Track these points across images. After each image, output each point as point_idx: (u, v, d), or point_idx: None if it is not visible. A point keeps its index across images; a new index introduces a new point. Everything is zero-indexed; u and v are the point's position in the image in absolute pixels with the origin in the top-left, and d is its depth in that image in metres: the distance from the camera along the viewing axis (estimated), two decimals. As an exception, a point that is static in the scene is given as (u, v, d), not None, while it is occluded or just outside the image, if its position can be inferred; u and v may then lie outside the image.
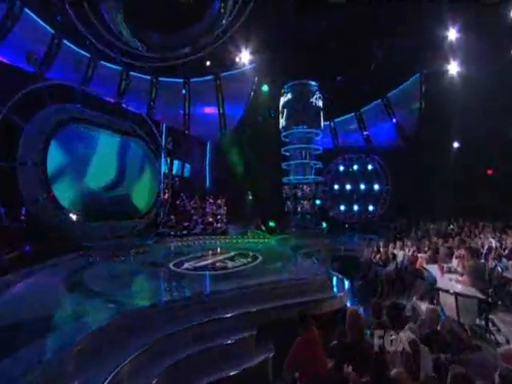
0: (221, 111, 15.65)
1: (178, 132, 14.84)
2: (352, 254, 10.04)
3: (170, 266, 7.11)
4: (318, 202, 15.21)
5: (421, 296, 5.35)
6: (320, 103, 14.81)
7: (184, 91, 14.83)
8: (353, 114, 16.49)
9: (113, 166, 11.01)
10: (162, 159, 13.15)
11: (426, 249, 7.26)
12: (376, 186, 15.84)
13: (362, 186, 16.13)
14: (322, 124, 14.92)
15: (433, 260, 6.37)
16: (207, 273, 6.55)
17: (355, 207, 16.23)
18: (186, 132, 15.44)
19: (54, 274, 6.10)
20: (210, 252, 8.80)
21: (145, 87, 14.00)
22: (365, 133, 16.45)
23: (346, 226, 15.70)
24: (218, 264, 7.25)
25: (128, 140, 11.54)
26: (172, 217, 13.10)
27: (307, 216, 14.69)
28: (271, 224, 14.43)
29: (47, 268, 6.62)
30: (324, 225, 15.07)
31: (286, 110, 14.79)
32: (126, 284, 5.62)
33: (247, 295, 5.15)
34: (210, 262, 7.53)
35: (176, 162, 14.70)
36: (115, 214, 10.52)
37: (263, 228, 13.71)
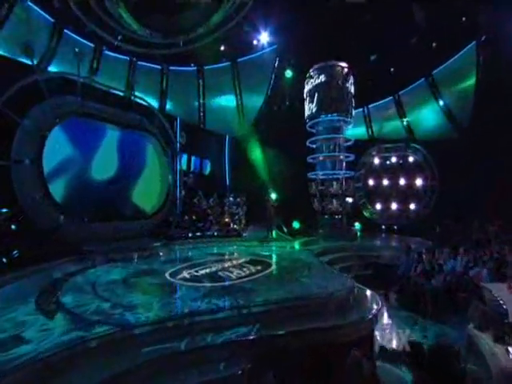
0: (239, 102, 15.27)
1: (193, 126, 14.65)
2: (388, 261, 9.34)
3: (166, 274, 6.64)
4: (349, 200, 14.42)
5: (480, 325, 4.30)
6: (351, 87, 13.63)
7: (198, 80, 14.63)
8: (390, 97, 15.36)
9: (117, 162, 10.74)
10: (177, 155, 12.96)
11: (486, 258, 6.11)
12: (419, 182, 14.94)
13: (402, 182, 15.08)
14: (354, 111, 13.83)
15: (496, 275, 5.18)
16: (204, 285, 5.89)
17: (394, 206, 15.31)
18: (202, 126, 15.27)
19: (31, 281, 5.88)
20: (219, 258, 8.43)
21: (155, 78, 13.86)
22: (405, 119, 15.35)
23: (383, 227, 14.94)
24: (221, 273, 6.72)
25: (135, 134, 11.24)
26: (186, 217, 12.98)
27: (337, 216, 13.64)
28: (295, 225, 13.99)
29: (30, 274, 6.42)
30: (357, 226, 14.44)
31: (311, 97, 13.71)
32: (95, 298, 5.05)
33: (242, 317, 4.50)
34: (213, 269, 7.01)
35: (193, 159, 14.77)
36: (119, 214, 10.30)
37: (284, 230, 13.18)
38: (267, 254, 8.85)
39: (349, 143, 13.90)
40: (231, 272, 6.72)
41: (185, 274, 6.65)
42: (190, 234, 11.78)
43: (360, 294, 5.66)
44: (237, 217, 13.38)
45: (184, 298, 5.19)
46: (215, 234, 12.26)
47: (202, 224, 12.76)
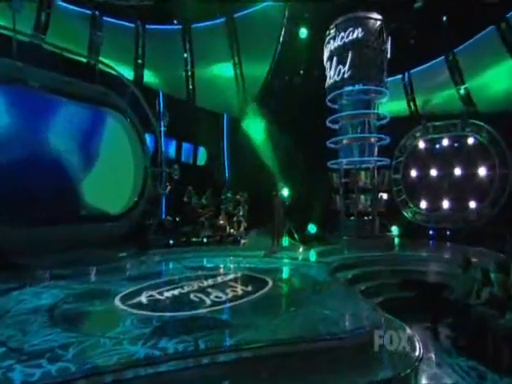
0: (238, 71, 15.17)
1: (181, 103, 14.69)
2: (436, 279, 8.78)
3: (117, 298, 6.03)
4: (383, 196, 14.26)
5: None
6: (387, 47, 13.34)
7: (184, 43, 14.37)
8: (441, 57, 14.50)
9: (68, 146, 10.21)
10: (160, 140, 12.78)
11: None
12: (482, 171, 13.79)
13: (458, 172, 14.31)
14: (389, 79, 13.79)
15: None
16: (161, 314, 5.23)
17: (445, 204, 14.49)
18: (192, 103, 15.26)
19: None
20: (200, 273, 8.02)
21: (128, 40, 13.46)
22: (462, 86, 14.46)
23: (431, 232, 14.26)
24: (194, 296, 6.15)
25: (96, 112, 10.90)
26: (169, 218, 12.98)
27: (366, 218, 13.55)
28: (311, 230, 13.81)
29: None
30: (393, 231, 14.19)
31: (333, 62, 13.53)
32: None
33: (200, 371, 3.70)
34: (185, 291, 6.48)
35: (185, 146, 15.08)
36: (72, 215, 9.98)
37: (295, 236, 13.05)
38: (268, 268, 8.57)
39: (383, 121, 13.72)
40: (208, 294, 6.14)
41: (143, 297, 6.07)
42: (171, 241, 11.58)
43: (391, 334, 4.53)
44: (235, 218, 13.17)
45: (121, 337, 4.36)
46: (205, 240, 12.08)
47: (191, 228, 12.63)
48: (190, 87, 14.97)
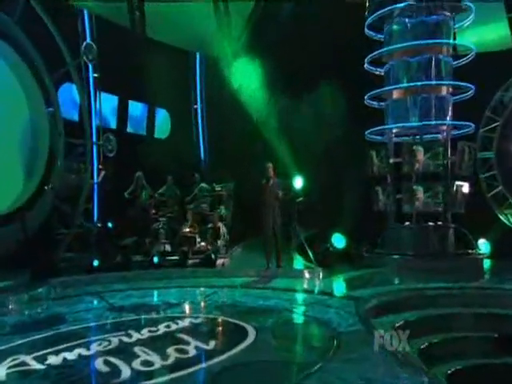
0: None
1: (122, 30, 15.28)
2: None
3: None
4: (463, 187, 13.91)
5: None
6: None
7: None
8: None
9: None
10: (85, 93, 13.27)
11: None
12: None
13: None
14: None
15: None
16: None
17: None
18: (142, 33, 15.95)
19: None
20: (130, 318, 7.84)
21: None
22: None
23: None
24: (101, 363, 5.58)
25: None
26: (99, 225, 13.48)
27: (431, 223, 13.40)
28: (337, 242, 13.72)
29: None
30: (482, 246, 14.00)
31: None
32: None
33: None
34: (90, 351, 6.07)
35: (134, 106, 15.96)
36: None
37: (310, 253, 12.95)
38: (255, 306, 8.68)
39: (463, 60, 13.57)
40: (133, 358, 5.62)
41: (2, 367, 5.50)
42: (97, 263, 11.50)
43: None
44: (211, 224, 13.55)
45: None
46: (157, 260, 12.12)
47: (136, 240, 13.13)
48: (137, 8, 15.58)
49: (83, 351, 5.89)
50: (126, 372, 5.08)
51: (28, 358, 5.68)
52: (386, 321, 7.92)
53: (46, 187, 11.95)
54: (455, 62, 13.47)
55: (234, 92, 15.86)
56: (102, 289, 10.12)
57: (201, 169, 16.43)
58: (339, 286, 10.88)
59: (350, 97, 14.48)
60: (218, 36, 16.38)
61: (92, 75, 13.52)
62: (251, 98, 15.72)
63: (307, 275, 12.00)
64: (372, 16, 13.40)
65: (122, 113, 15.61)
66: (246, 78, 15.65)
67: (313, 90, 14.76)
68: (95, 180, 13.67)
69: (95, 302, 9.24)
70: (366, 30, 13.68)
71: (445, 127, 13.42)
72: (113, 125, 15.53)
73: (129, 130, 16.05)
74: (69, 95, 13.26)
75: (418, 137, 13.56)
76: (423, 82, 12.98)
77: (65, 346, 6.12)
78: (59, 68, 12.26)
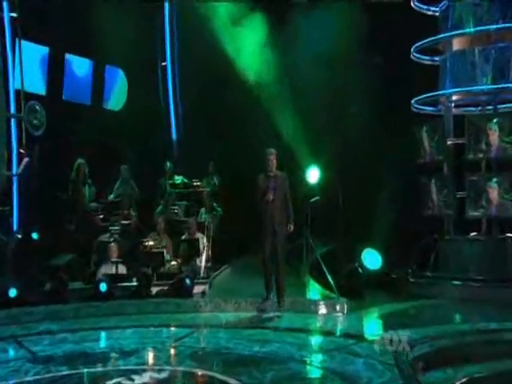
0: None
1: None
2: None
3: None
4: None
5: None
6: None
7: None
8: None
9: None
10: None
11: None
12: None
13: None
14: None
15: None
16: None
17: None
18: None
19: None
20: (59, 374, 7.41)
21: None
22: None
23: None
24: None
25: None
26: (19, 236, 13.47)
27: (508, 235, 13.43)
28: (369, 262, 13.99)
29: None
30: None
31: None
32: None
33: None
34: None
35: (76, 61, 16.39)
36: None
37: (329, 277, 13.04)
38: (248, 354, 8.57)
39: None
40: None
41: None
42: (12, 293, 11.25)
43: None
44: (187, 235, 13.83)
45: None
46: (103, 289, 11.79)
47: (71, 259, 13.01)
48: None
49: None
50: None
51: None
52: (442, 377, 7.61)
53: None
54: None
55: (220, 44, 15.89)
56: (21, 331, 9.84)
57: (172, 155, 16.55)
58: (371, 325, 10.90)
59: (390, 48, 14.52)
60: None
61: (8, 15, 13.26)
62: (246, 53, 15.77)
63: (324, 309, 11.67)
64: None
65: (56, 72, 15.44)
66: (240, 23, 15.74)
67: (343, 40, 14.85)
68: (14, 171, 13.49)
69: (11, 351, 8.97)
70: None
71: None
72: (41, 89, 15.34)
73: (65, 97, 15.93)
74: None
75: (489, 107, 13.65)
76: (499, 25, 13.06)
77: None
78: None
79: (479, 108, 13.95)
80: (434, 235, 14.24)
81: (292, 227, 11.84)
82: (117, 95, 16.98)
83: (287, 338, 9.39)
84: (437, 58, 14.05)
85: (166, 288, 12.22)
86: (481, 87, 13.46)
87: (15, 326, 10.18)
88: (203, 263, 13.24)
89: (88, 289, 12.27)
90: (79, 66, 15.87)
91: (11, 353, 8.89)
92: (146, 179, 14.76)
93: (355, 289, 12.64)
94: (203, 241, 13.46)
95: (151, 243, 13.10)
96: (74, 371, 7.44)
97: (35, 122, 13.26)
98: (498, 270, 12.86)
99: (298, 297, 12.31)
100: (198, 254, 13.25)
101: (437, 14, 14.20)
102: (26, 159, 13.30)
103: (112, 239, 13.16)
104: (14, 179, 13.53)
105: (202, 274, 13.14)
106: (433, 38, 13.93)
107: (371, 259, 13.85)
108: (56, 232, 13.60)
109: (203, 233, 13.67)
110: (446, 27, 13.82)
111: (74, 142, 14.59)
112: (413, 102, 14.16)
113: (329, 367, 7.80)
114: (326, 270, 13.24)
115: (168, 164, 15.15)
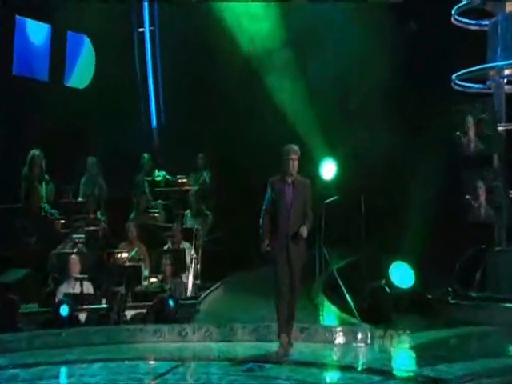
0: None
1: None
2: None
3: None
4: None
5: None
6: None
7: None
8: None
9: None
10: None
11: None
12: None
13: None
14: None
15: None
16: None
17: None
18: None
19: None
20: None
21: None
22: None
23: None
24: None
25: None
26: None
27: None
28: (399, 279, 13.93)
29: None
30: None
31: None
32: None
33: None
34: None
35: (30, 26, 16.82)
36: None
37: (346, 296, 13.22)
38: None
39: None
40: None
41: None
42: None
43: None
44: (169, 246, 14.21)
45: None
46: (65, 312, 11.68)
47: (22, 277, 13.29)
48: None
49: None
50: None
51: None
52: None
53: None
54: None
55: (212, 7, 15.88)
56: None
57: (152, 144, 16.83)
58: (402, 359, 10.90)
59: (425, 10, 14.45)
60: None
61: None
62: (247, 15, 15.95)
63: (342, 337, 11.55)
64: None
65: (3, 39, 15.47)
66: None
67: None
68: None
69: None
70: None
71: None
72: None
73: (15, 71, 15.75)
74: None
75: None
76: None
77: None
78: None
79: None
80: (481, 246, 14.21)
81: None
82: (82, 69, 16.98)
83: (296, 375, 9.07)
84: (485, 22, 14.07)
85: (143, 311, 12.17)
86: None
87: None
88: (190, 280, 13.37)
89: (45, 312, 12.18)
90: (34, 31, 15.74)
91: None
92: (118, 175, 14.80)
93: (381, 312, 12.60)
94: (190, 252, 13.60)
95: (125, 255, 13.08)
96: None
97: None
98: None
99: (309, 322, 12.00)
100: (184, 269, 13.35)
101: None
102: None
103: (75, 250, 13.23)
104: None
105: (188, 294, 13.17)
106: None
107: (401, 275, 13.73)
108: (5, 241, 13.67)
109: (190, 242, 13.79)
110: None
111: (27, 128, 14.60)
112: (454, 77, 14.17)
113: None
114: (344, 289, 13.33)
115: (146, 156, 15.21)
